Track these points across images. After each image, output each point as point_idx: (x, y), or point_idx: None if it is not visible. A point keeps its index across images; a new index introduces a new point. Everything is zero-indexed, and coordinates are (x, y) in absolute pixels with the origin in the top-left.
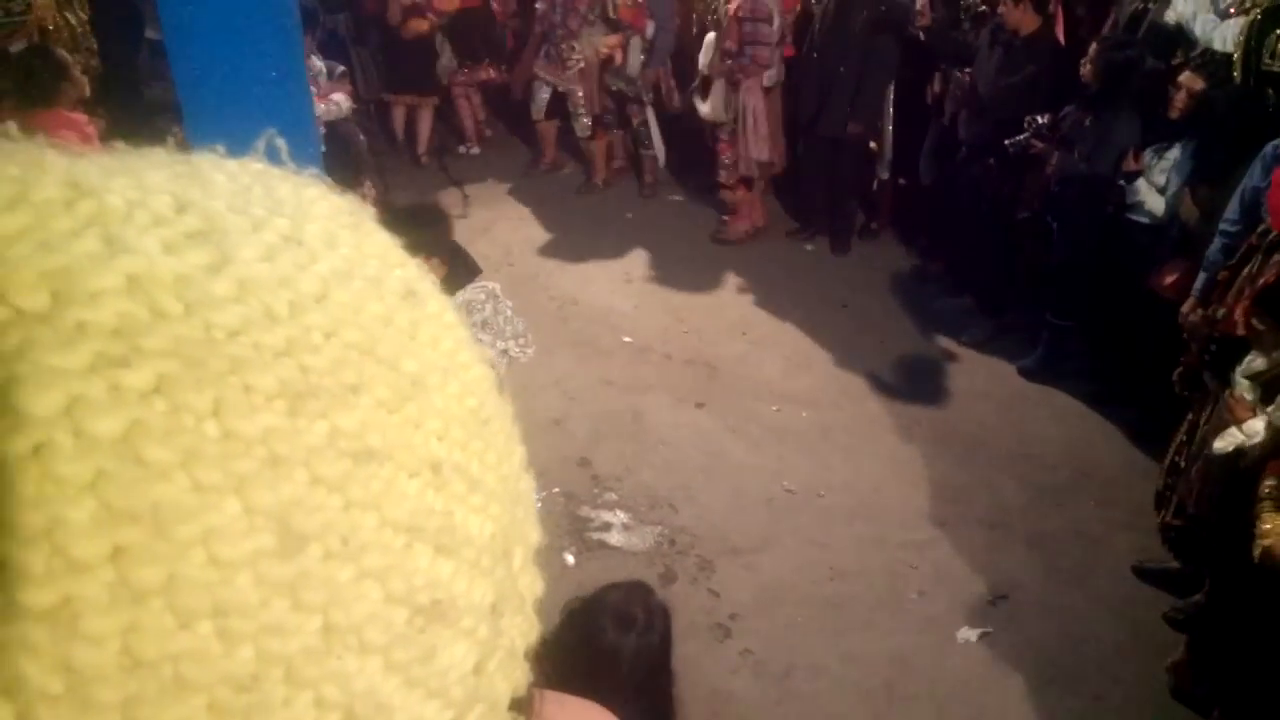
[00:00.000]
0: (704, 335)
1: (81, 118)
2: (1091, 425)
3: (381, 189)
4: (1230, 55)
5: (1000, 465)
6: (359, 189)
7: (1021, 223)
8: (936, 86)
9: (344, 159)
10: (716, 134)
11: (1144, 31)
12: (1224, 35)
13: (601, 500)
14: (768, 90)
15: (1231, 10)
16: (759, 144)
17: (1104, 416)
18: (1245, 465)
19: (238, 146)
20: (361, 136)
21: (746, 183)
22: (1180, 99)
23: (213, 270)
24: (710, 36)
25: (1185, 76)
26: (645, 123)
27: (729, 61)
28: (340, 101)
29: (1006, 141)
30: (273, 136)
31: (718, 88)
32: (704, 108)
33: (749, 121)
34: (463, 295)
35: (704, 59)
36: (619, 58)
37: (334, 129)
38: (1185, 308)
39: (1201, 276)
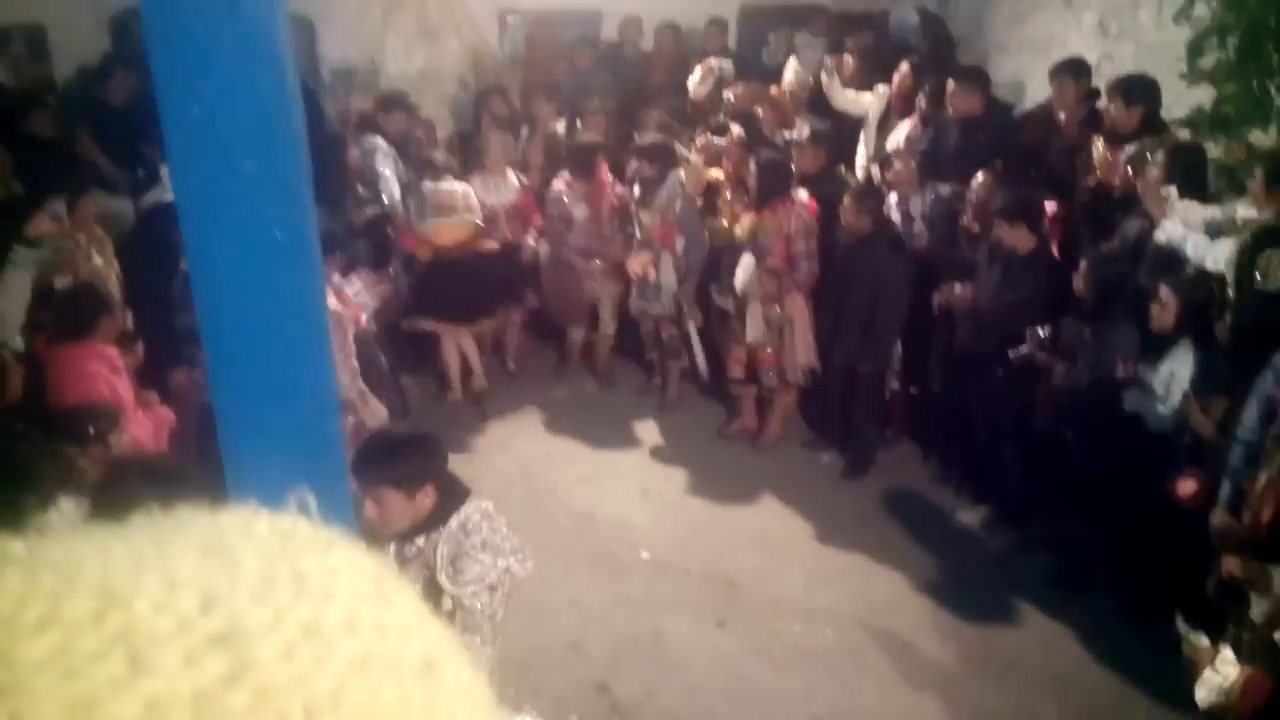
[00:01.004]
0: (723, 549)
1: (113, 351)
2: (1129, 641)
3: (402, 411)
4: (1221, 274)
5: (1038, 687)
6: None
7: (1037, 432)
8: (939, 298)
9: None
10: (755, 345)
11: (1150, 251)
12: (1215, 256)
13: None
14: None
15: (1223, 231)
16: (806, 351)
17: (1140, 632)
18: None
19: (255, 368)
20: (383, 357)
21: (787, 390)
22: (1158, 313)
23: (231, 680)
24: (747, 258)
25: (1162, 294)
26: (674, 336)
27: (775, 280)
28: (366, 303)
29: (1010, 352)
30: (304, 497)
31: (756, 308)
32: (750, 331)
33: (796, 330)
34: (458, 519)
35: (741, 280)
36: (650, 274)
37: (358, 347)
38: (1215, 518)
39: (1226, 485)
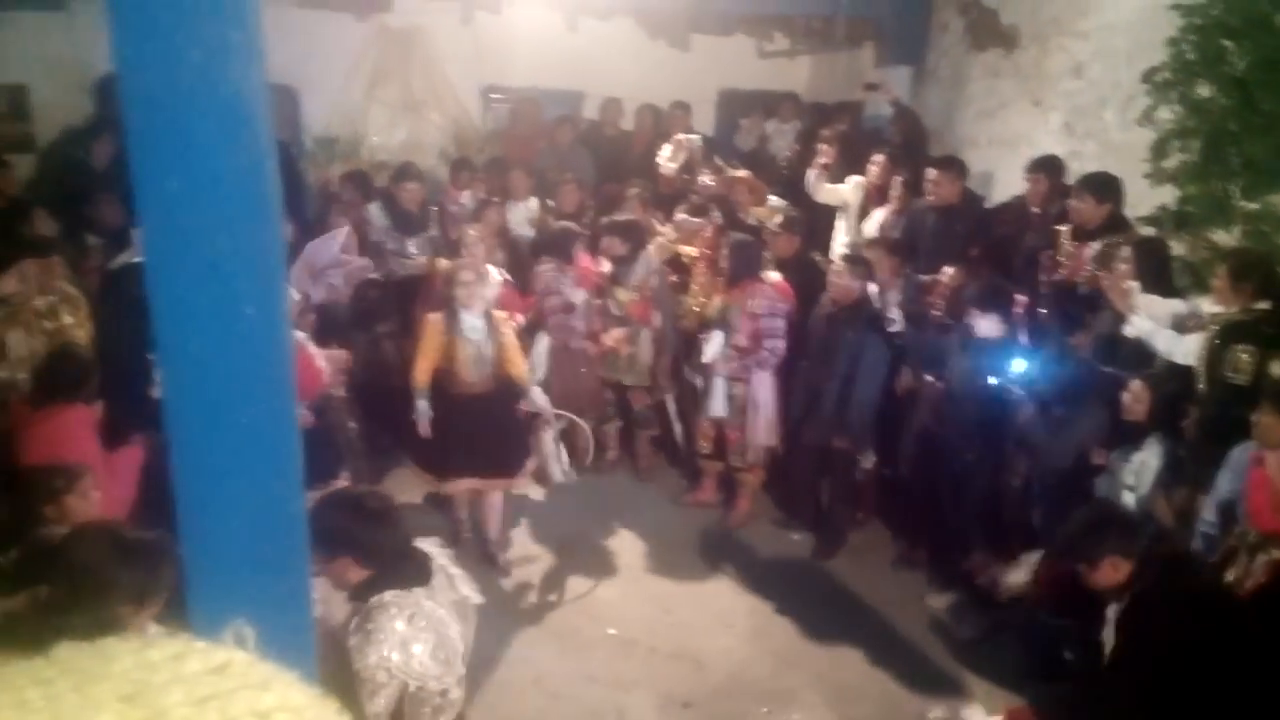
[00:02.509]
0: (691, 627)
1: (91, 411)
2: None
3: (369, 480)
4: (1190, 368)
5: None
6: (335, 481)
7: (1006, 518)
8: (904, 382)
9: (325, 449)
10: (721, 422)
11: (1123, 344)
12: (1185, 350)
13: None
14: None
15: (1190, 325)
16: (768, 431)
17: None
18: None
19: (219, 446)
20: (351, 424)
21: (753, 469)
22: (1129, 405)
23: None
24: (716, 335)
25: (1134, 387)
26: (647, 406)
27: (742, 358)
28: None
29: (991, 379)
30: (241, 630)
31: (719, 384)
32: (714, 406)
33: (759, 410)
34: (378, 599)
35: (709, 355)
36: (625, 349)
37: (322, 414)
38: None
39: None
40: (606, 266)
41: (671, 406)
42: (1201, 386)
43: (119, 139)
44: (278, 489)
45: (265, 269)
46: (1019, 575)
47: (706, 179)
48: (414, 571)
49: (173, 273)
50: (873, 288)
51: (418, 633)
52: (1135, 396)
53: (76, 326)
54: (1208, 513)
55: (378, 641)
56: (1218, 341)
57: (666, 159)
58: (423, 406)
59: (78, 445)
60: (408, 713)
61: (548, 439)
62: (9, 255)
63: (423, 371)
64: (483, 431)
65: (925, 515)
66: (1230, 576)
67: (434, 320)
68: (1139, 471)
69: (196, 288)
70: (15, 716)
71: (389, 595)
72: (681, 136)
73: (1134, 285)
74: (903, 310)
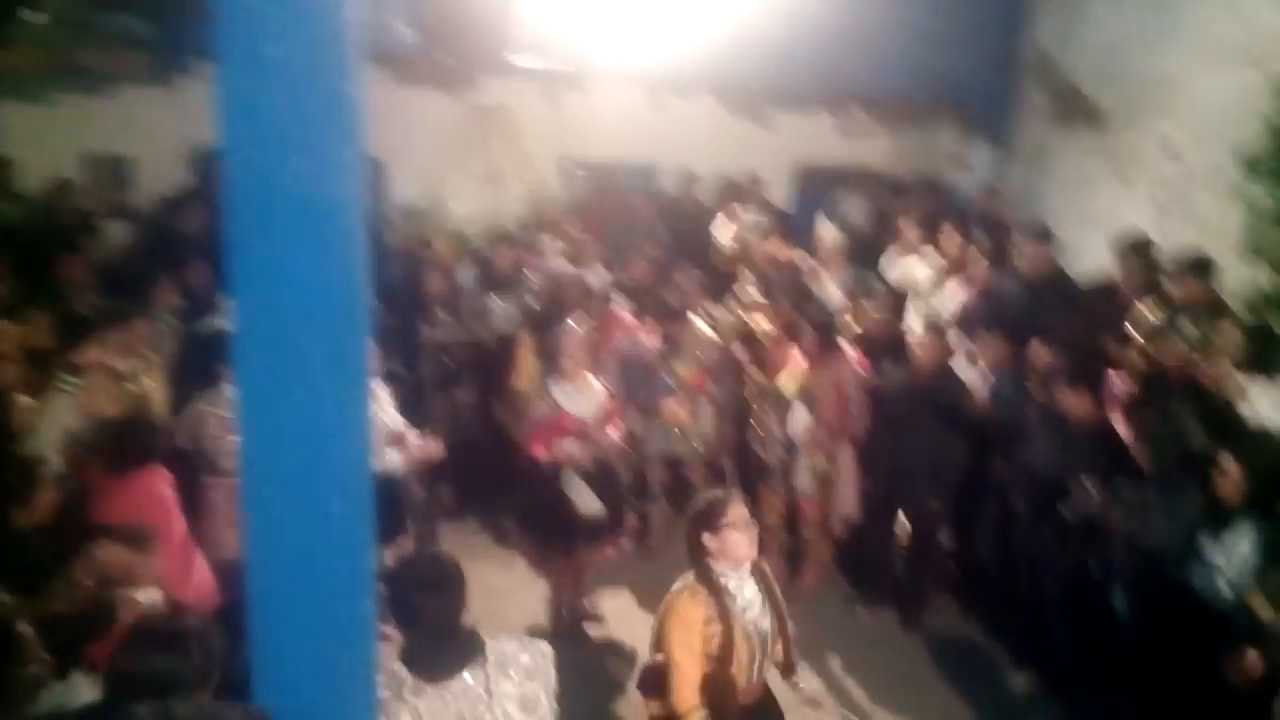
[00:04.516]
0: None
1: (166, 474)
2: None
3: (430, 539)
4: None
5: None
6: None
7: (1086, 600)
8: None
9: (393, 510)
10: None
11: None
12: None
13: None
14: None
15: None
16: (851, 501)
17: None
18: None
19: (293, 540)
20: (417, 489)
21: (829, 540)
22: (1221, 481)
23: None
24: (801, 410)
25: (1224, 460)
26: (703, 478)
27: (827, 431)
28: (392, 460)
29: (1062, 508)
30: None
31: (805, 460)
32: (799, 481)
33: (844, 480)
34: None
35: (796, 431)
36: (684, 419)
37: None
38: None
39: None
40: (656, 342)
41: (730, 475)
42: None
43: (211, 208)
44: (349, 581)
45: (349, 373)
46: None
47: (759, 250)
48: (445, 657)
49: (262, 371)
50: (970, 369)
51: None
52: (1225, 473)
53: (155, 390)
54: None
55: None
56: None
57: (719, 228)
58: None
59: (163, 506)
60: None
61: None
62: (96, 322)
63: (689, 692)
64: None
65: (1003, 597)
66: None
67: (690, 596)
68: (1229, 553)
69: (283, 389)
70: None
71: (401, 671)
72: (739, 210)
73: (1234, 370)
74: (997, 392)
